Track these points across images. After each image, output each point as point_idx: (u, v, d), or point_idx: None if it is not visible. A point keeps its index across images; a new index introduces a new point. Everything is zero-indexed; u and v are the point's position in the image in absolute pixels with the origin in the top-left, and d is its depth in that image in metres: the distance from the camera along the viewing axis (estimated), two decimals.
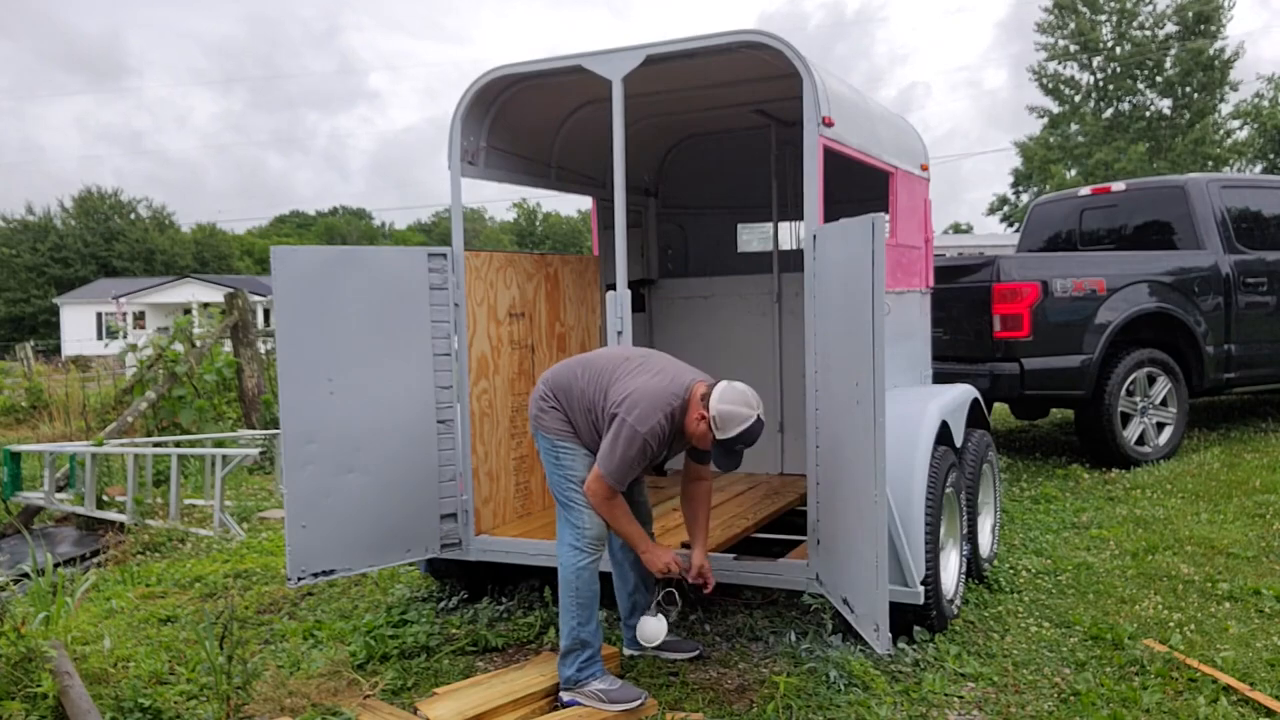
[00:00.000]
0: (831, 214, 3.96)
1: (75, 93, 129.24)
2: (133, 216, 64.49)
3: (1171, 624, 4.18)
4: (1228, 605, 4.44)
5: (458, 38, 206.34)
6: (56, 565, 5.89)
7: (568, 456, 3.65)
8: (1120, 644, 3.97)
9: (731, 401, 3.40)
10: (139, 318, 45.59)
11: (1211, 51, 37.38)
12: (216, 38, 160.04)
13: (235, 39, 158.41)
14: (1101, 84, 40.18)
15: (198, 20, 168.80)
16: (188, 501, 8.04)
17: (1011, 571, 5.00)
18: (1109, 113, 40.23)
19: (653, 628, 3.75)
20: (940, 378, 5.79)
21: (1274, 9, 62.00)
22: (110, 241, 61.22)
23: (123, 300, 45.33)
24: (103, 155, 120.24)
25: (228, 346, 11.94)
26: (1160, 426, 7.61)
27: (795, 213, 6.04)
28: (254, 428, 10.89)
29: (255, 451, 7.89)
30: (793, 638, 4.10)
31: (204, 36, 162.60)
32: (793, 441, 5.99)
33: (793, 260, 6.05)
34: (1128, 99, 39.92)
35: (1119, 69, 39.35)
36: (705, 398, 3.43)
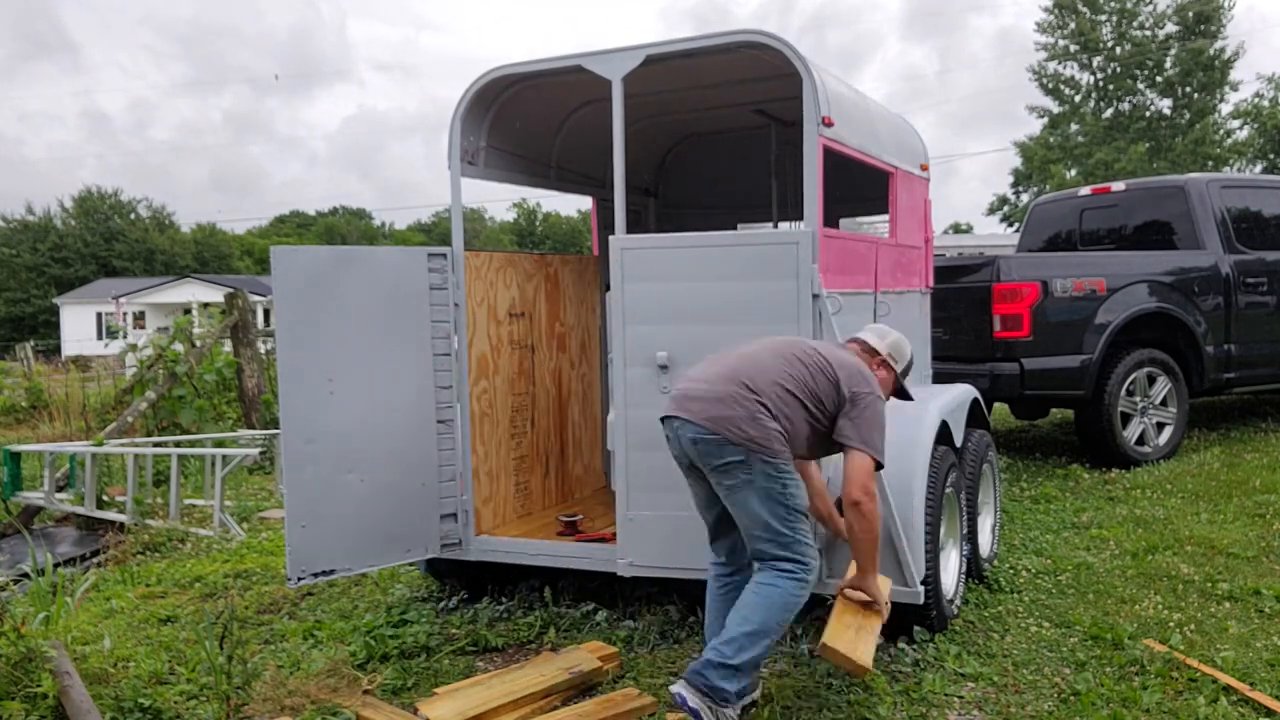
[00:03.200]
0: (831, 214, 3.96)
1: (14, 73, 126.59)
2: (133, 216, 64.50)
3: (1171, 624, 4.18)
4: (1228, 605, 4.44)
5: (431, 24, 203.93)
6: (56, 565, 5.90)
7: (793, 483, 3.21)
8: (1120, 644, 3.97)
9: (882, 334, 3.59)
10: (139, 318, 45.59)
11: (1211, 51, 37.38)
12: (168, 20, 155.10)
13: (188, 20, 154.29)
14: (1101, 84, 40.19)
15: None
16: (188, 501, 8.04)
17: (1011, 571, 5.00)
18: (1109, 113, 40.23)
19: None
20: (940, 378, 5.79)
21: (1274, 9, 62.00)
22: (110, 241, 61.21)
23: (123, 300, 45.36)
24: (65, 143, 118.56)
25: (228, 346, 11.94)
26: (1160, 426, 7.61)
27: (795, 213, 6.04)
28: (254, 428, 10.89)
29: (255, 451, 7.89)
30: (792, 638, 4.10)
31: (154, 18, 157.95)
32: None
33: None
34: (1128, 99, 39.92)
35: (1119, 69, 39.36)
36: (866, 348, 3.55)
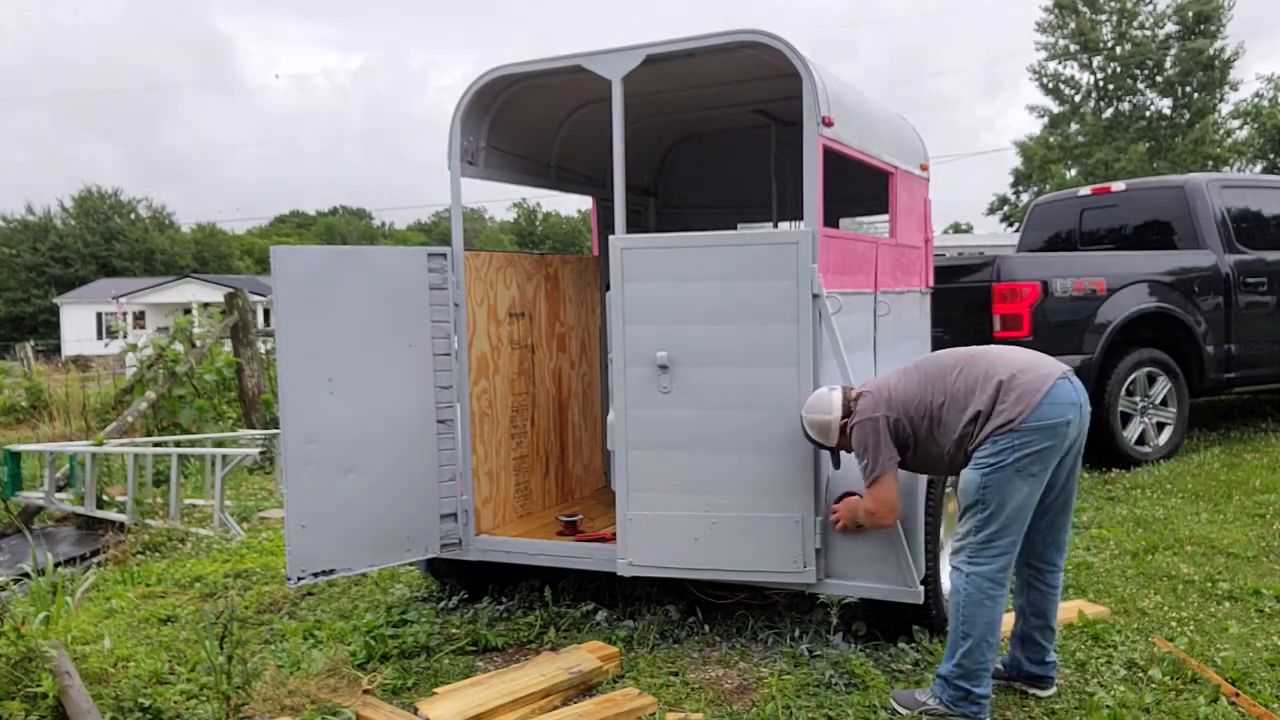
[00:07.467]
0: (831, 214, 3.96)
1: None
2: (133, 216, 64.52)
3: (1172, 624, 4.18)
4: (1228, 605, 4.44)
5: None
6: (56, 565, 5.89)
7: None
8: (1120, 644, 3.97)
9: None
10: (139, 318, 45.58)
11: (1211, 51, 37.39)
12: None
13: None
14: (1101, 84, 40.19)
15: None
16: (188, 501, 8.04)
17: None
18: (1109, 113, 40.24)
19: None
20: None
21: (1274, 9, 61.99)
22: (110, 241, 61.21)
23: (123, 300, 45.32)
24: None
25: (228, 346, 11.94)
26: (1160, 426, 7.61)
27: (795, 213, 6.04)
28: (254, 428, 10.88)
29: (255, 451, 7.90)
30: (793, 638, 4.10)
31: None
32: None
33: None
34: (1128, 99, 39.93)
35: (1119, 69, 39.35)
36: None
